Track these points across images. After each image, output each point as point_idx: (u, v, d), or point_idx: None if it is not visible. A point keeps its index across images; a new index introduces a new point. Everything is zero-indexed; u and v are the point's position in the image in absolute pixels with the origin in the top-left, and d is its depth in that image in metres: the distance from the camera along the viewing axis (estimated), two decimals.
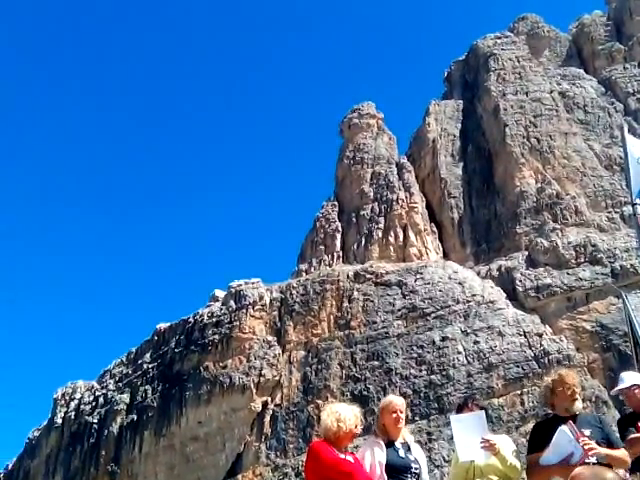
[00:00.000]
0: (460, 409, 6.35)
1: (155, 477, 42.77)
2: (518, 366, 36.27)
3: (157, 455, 42.96)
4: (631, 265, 38.20)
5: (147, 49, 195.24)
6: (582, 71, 56.61)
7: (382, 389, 37.25)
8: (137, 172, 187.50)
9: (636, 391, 6.74)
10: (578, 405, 5.72)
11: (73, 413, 49.28)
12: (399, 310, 41.33)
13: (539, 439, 5.63)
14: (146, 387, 45.56)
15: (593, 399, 33.17)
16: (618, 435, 6.06)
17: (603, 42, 58.24)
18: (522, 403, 34.95)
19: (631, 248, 38.60)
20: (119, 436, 44.82)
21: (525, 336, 37.62)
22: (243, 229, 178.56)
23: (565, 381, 5.78)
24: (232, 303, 45.49)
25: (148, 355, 48.31)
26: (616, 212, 43.76)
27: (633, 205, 8.09)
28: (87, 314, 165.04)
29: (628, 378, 7.04)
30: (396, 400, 5.82)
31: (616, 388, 6.97)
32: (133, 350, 50.93)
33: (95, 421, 46.85)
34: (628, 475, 5.90)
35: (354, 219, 51.99)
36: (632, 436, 6.14)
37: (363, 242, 49.85)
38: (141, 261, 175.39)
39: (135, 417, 44.58)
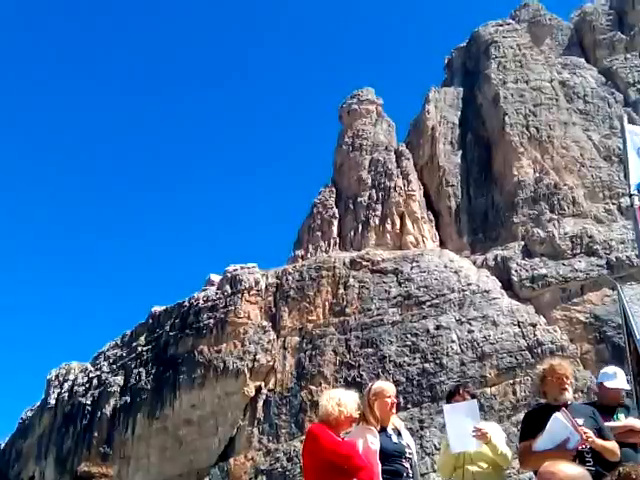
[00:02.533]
0: (451, 396, 6.33)
1: (147, 459, 42.93)
2: (511, 356, 36.35)
3: (150, 437, 43.10)
4: (627, 257, 38.17)
5: (137, 38, 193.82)
6: (583, 60, 56.24)
7: (376, 376, 37.22)
8: (135, 155, 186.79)
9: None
10: (567, 395, 5.73)
11: (66, 394, 49.38)
12: (394, 298, 41.34)
13: (531, 427, 5.63)
14: (140, 370, 45.64)
15: (585, 390, 33.23)
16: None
17: (605, 31, 57.83)
18: (514, 393, 35.07)
19: (627, 240, 38.54)
20: (112, 418, 44.96)
21: (519, 326, 37.67)
22: (240, 213, 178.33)
23: (555, 370, 5.80)
24: (228, 288, 45.46)
25: (143, 338, 48.34)
26: (613, 203, 43.67)
27: (631, 196, 8.00)
28: (82, 295, 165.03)
29: (620, 377, 6.91)
30: (388, 386, 5.81)
31: (612, 384, 6.75)
32: (128, 333, 50.95)
33: (88, 402, 46.96)
34: None
35: (351, 206, 51.87)
36: (612, 424, 6.11)
37: (360, 229, 49.77)
38: (137, 243, 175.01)
39: (128, 399, 44.70)
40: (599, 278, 38.42)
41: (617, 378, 6.85)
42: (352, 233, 50.10)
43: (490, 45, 57.15)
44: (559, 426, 5.32)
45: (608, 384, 6.74)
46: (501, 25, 59.88)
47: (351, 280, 43.34)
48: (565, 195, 44.44)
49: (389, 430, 5.63)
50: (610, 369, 7.09)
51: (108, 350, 50.69)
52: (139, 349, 47.46)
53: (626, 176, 8.23)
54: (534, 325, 37.67)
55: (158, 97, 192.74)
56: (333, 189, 55.11)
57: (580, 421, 5.44)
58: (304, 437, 5.62)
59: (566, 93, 51.93)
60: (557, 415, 5.39)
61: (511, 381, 35.55)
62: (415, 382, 37.12)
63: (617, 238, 40.07)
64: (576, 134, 48.55)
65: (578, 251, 40.54)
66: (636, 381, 16.62)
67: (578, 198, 44.29)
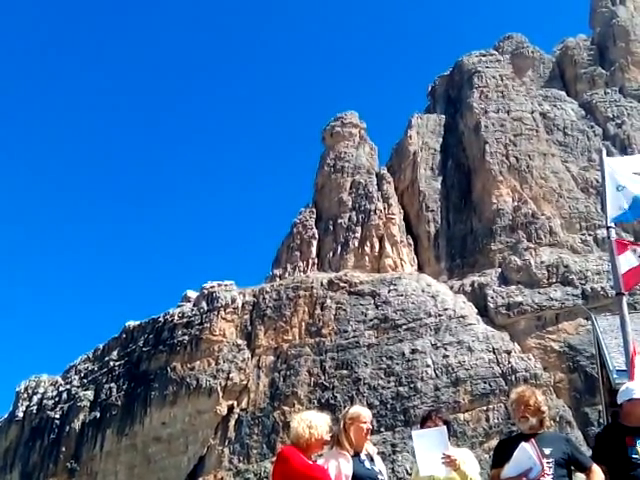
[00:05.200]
0: (424, 422, 6.29)
1: (115, 476, 42.22)
2: (485, 382, 36.44)
3: (118, 454, 42.43)
4: (602, 288, 38.61)
5: (125, 60, 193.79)
6: (564, 93, 57.30)
7: (349, 398, 37.19)
8: (112, 169, 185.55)
9: None
10: (528, 423, 5.67)
11: (35, 407, 48.53)
12: (371, 320, 41.35)
13: (502, 455, 5.68)
14: (111, 385, 45.04)
15: (557, 419, 33.40)
16: (585, 453, 5.99)
17: (586, 66, 59.05)
18: (487, 419, 35.11)
19: (602, 271, 39.02)
20: (81, 433, 44.23)
21: (494, 352, 37.83)
22: (220, 231, 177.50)
23: (517, 400, 5.82)
24: (204, 304, 45.17)
25: (115, 352, 47.76)
26: (590, 235, 44.26)
27: (608, 229, 8.07)
28: (55, 308, 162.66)
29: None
30: (365, 412, 5.77)
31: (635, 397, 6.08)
32: (100, 347, 50.33)
33: (57, 416, 46.19)
34: None
35: (331, 227, 51.98)
36: None
37: (339, 250, 49.85)
38: (113, 257, 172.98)
39: (98, 414, 44.04)
40: (574, 308, 38.79)
41: (636, 392, 6.21)
42: (331, 254, 50.15)
43: (473, 74, 58.02)
44: (524, 456, 5.42)
45: (636, 395, 6.08)
46: (484, 55, 60.87)
47: (328, 301, 43.30)
48: (542, 224, 44.97)
49: (362, 455, 5.57)
50: (634, 384, 6.43)
51: (79, 364, 49.99)
52: (111, 364, 46.87)
53: (603, 208, 8.35)
54: (509, 352, 37.86)
55: (138, 115, 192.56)
56: (313, 210, 55.24)
57: (547, 451, 5.48)
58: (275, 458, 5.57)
59: (546, 125, 52.79)
60: (524, 445, 5.47)
61: (484, 407, 35.61)
62: (389, 406, 37.02)
63: (593, 269, 40.53)
64: (555, 165, 49.28)
65: (554, 280, 40.95)
66: (608, 411, 16.77)
67: (555, 228, 44.84)
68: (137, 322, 49.09)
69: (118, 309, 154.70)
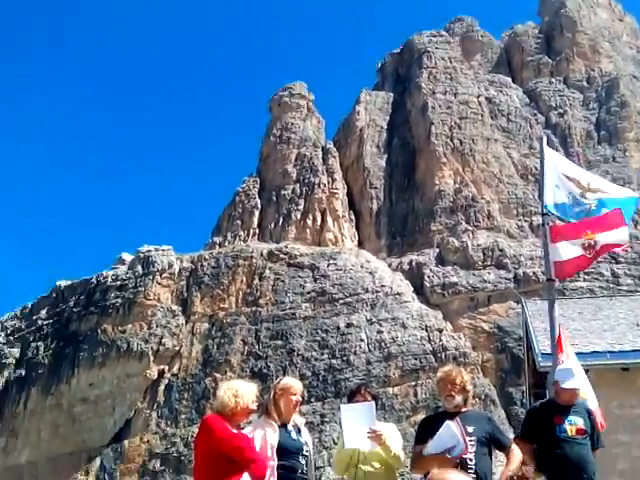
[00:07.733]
0: (352, 395, 6.37)
1: (38, 435, 41.44)
2: (416, 358, 37.20)
3: (43, 413, 41.65)
4: (534, 273, 39.75)
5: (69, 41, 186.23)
6: (510, 79, 58.17)
7: (282, 369, 37.42)
8: (48, 125, 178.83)
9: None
10: (454, 402, 5.82)
11: None
12: (308, 293, 41.53)
13: (426, 432, 5.78)
14: (39, 343, 44.02)
15: (482, 397, 34.44)
16: (505, 432, 6.21)
17: (532, 54, 60.01)
18: (415, 394, 35.91)
19: (535, 257, 40.15)
20: (4, 390, 43.22)
21: (426, 330, 38.60)
22: (160, 195, 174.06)
23: (443, 378, 5.94)
24: (139, 268, 44.43)
25: (44, 312, 46.60)
26: (526, 220, 45.39)
27: (543, 215, 8.20)
28: None
29: (577, 375, 6.52)
30: (296, 384, 5.83)
31: (568, 384, 6.30)
32: (29, 305, 49.00)
33: None
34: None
35: (274, 198, 51.73)
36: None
37: (281, 222, 49.71)
38: (47, 215, 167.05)
39: (24, 372, 43.07)
40: (506, 291, 39.87)
41: (573, 377, 6.44)
42: (272, 225, 49.97)
43: (423, 54, 58.22)
44: (448, 434, 5.51)
45: (564, 385, 6.33)
46: (435, 36, 61.09)
47: (267, 272, 43.23)
48: (481, 208, 45.84)
49: (289, 426, 5.63)
50: (566, 366, 6.71)
51: (6, 321, 48.60)
52: (39, 322, 45.74)
53: (540, 196, 8.49)
54: (440, 330, 38.69)
55: (75, 86, 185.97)
56: (257, 179, 54.79)
57: (470, 429, 5.62)
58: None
59: (491, 110, 53.55)
60: (449, 423, 5.57)
61: (413, 383, 36.39)
62: (321, 377, 37.42)
63: (526, 254, 41.66)
64: (497, 150, 50.16)
65: (489, 263, 41.94)
66: (531, 392, 17.38)
67: (493, 212, 45.79)
68: (68, 282, 47.96)
69: (49, 268, 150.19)
